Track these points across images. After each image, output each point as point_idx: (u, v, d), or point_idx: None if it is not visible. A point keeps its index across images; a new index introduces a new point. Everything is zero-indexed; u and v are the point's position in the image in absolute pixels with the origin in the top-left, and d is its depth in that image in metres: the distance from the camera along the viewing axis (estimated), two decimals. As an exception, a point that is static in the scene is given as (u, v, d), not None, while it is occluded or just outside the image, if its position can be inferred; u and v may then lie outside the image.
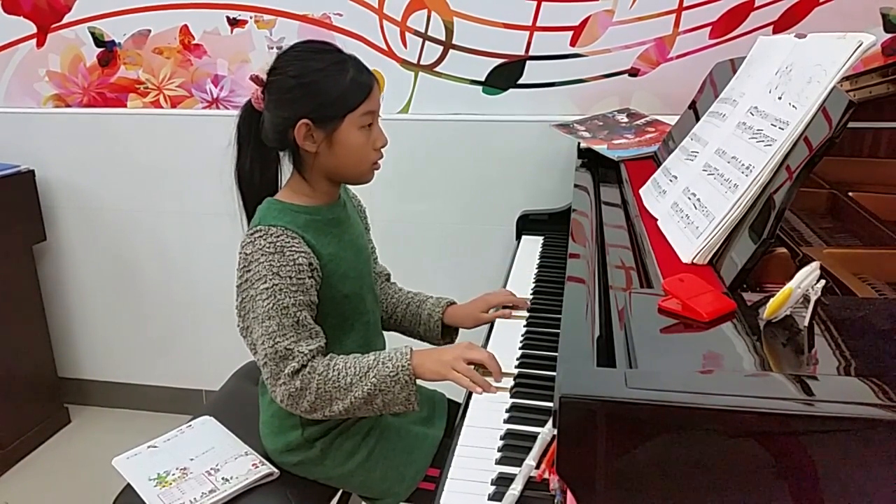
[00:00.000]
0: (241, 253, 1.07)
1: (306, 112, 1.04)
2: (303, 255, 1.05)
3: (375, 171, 1.13)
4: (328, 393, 1.01)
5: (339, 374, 1.01)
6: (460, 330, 1.34)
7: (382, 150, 1.12)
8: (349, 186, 1.27)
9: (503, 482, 0.83)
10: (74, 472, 2.11)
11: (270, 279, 1.02)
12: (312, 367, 1.01)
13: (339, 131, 1.06)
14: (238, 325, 1.09)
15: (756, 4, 1.71)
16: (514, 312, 1.30)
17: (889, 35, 1.67)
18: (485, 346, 1.19)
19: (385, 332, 1.31)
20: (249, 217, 1.14)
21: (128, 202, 2.19)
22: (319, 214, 1.12)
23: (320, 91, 1.04)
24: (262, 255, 1.03)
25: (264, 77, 1.07)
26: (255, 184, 1.13)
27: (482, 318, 1.29)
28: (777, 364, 0.65)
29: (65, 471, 2.12)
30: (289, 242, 1.04)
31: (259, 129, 1.09)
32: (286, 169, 1.15)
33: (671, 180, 1.14)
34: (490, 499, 0.82)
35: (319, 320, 1.09)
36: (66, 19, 2.07)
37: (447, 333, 1.33)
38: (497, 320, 1.28)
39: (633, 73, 1.82)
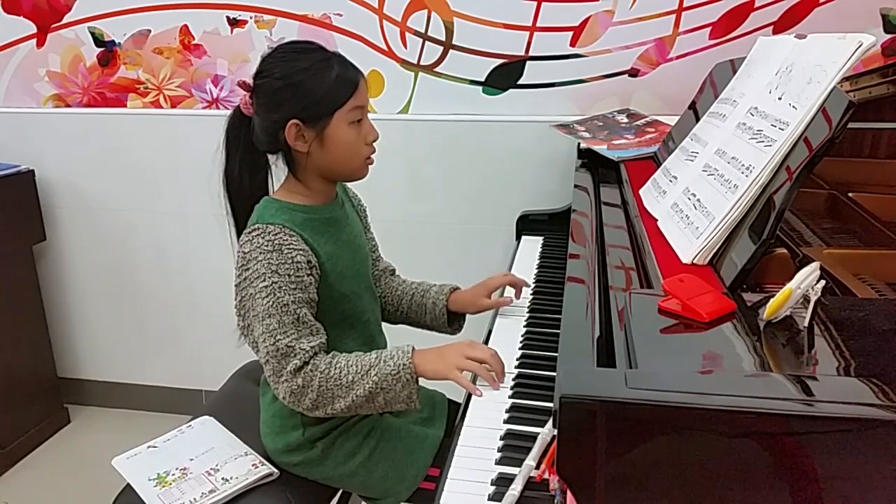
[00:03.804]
0: (239, 251, 1.07)
1: (295, 112, 1.04)
2: (301, 252, 1.05)
3: (370, 167, 1.13)
4: (330, 391, 1.01)
5: (340, 371, 1.01)
6: (464, 325, 1.34)
7: (374, 144, 1.12)
8: (350, 185, 1.27)
9: (503, 482, 0.83)
10: (74, 472, 2.11)
11: (269, 277, 1.02)
12: (314, 365, 1.02)
13: (328, 129, 1.06)
14: (238, 325, 1.09)
15: (756, 5, 1.71)
16: (515, 300, 1.31)
17: (889, 35, 1.68)
18: (485, 344, 1.19)
19: (390, 328, 1.31)
20: (238, 222, 1.14)
21: (128, 202, 2.20)
22: (317, 213, 1.12)
23: (307, 90, 1.04)
24: (261, 252, 1.03)
25: (251, 82, 1.08)
26: (244, 188, 1.12)
27: (484, 304, 1.29)
28: (777, 364, 0.65)
29: (64, 471, 2.12)
30: (287, 240, 1.04)
31: (248, 133, 1.09)
32: (275, 173, 1.15)
33: (671, 181, 1.14)
34: (490, 499, 0.82)
35: (319, 319, 1.09)
36: (65, 19, 2.07)
37: (453, 320, 1.33)
38: (497, 320, 1.28)
39: (633, 73, 1.82)
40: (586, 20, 1.79)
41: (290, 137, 1.06)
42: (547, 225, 1.72)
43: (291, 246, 1.04)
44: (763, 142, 0.91)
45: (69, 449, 2.24)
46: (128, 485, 1.15)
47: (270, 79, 1.05)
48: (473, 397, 1.02)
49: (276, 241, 1.04)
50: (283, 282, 1.02)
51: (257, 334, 1.03)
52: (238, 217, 1.14)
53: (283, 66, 1.05)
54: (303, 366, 1.01)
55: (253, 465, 1.15)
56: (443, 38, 1.88)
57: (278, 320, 1.01)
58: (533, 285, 1.42)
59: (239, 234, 1.13)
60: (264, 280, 1.02)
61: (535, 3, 1.79)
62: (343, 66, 1.07)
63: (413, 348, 1.04)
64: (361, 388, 1.01)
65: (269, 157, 1.13)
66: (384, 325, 1.30)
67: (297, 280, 1.03)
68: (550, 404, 0.97)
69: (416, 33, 1.89)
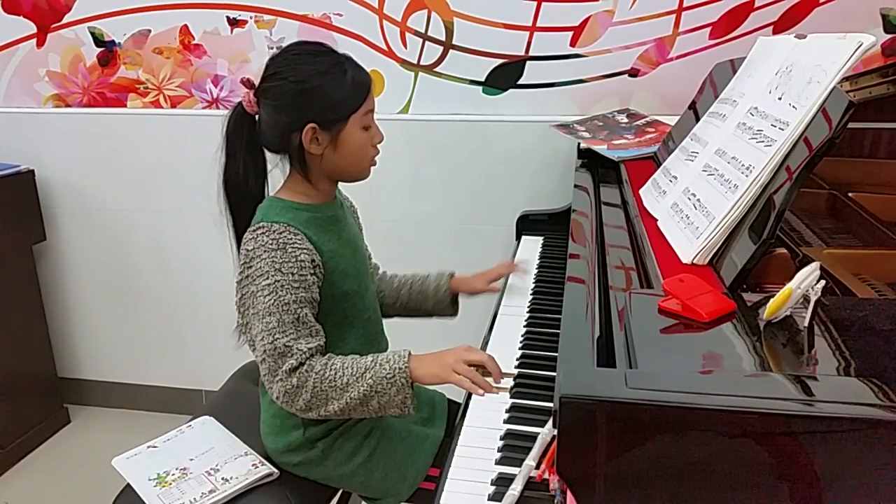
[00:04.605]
0: (242, 249, 1.06)
1: (312, 116, 1.04)
2: (305, 251, 1.05)
3: (372, 168, 1.14)
4: (324, 392, 1.00)
5: (336, 373, 1.01)
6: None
7: (379, 146, 1.12)
8: (341, 189, 1.27)
9: (503, 482, 0.83)
10: (74, 472, 2.11)
11: (272, 275, 1.01)
12: (310, 366, 1.01)
13: (343, 133, 1.06)
14: (237, 322, 1.09)
15: (756, 5, 1.71)
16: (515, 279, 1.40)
17: (889, 35, 1.67)
18: (484, 346, 1.19)
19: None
20: (237, 221, 1.13)
21: (128, 202, 2.20)
22: (320, 212, 1.12)
23: (325, 95, 1.04)
24: (265, 251, 1.03)
25: (255, 80, 1.07)
26: (248, 189, 1.11)
27: (478, 287, 1.36)
28: (777, 364, 0.65)
29: (65, 471, 2.12)
30: (291, 239, 1.04)
31: (252, 133, 1.09)
32: (274, 172, 1.15)
33: (671, 181, 1.14)
34: (490, 499, 0.82)
35: (321, 319, 1.09)
36: (65, 19, 2.07)
37: (453, 303, 1.37)
38: (497, 320, 1.28)
39: (633, 73, 1.82)
40: (586, 20, 1.79)
41: (306, 140, 1.05)
42: (547, 225, 1.72)
43: (296, 245, 1.04)
44: (763, 142, 0.91)
45: (69, 449, 2.24)
46: (128, 485, 1.15)
47: (284, 81, 1.04)
48: (473, 397, 1.02)
49: (280, 240, 1.04)
50: (286, 280, 1.02)
51: (255, 332, 1.02)
52: (238, 217, 1.13)
53: (297, 68, 1.04)
54: (298, 366, 1.00)
55: (253, 465, 1.15)
56: (443, 38, 1.88)
57: (278, 319, 1.01)
58: (533, 285, 1.42)
59: (238, 234, 1.13)
60: (267, 278, 1.02)
61: (535, 3, 1.79)
62: (356, 70, 1.07)
63: (409, 353, 1.03)
64: (356, 391, 1.00)
65: (270, 156, 1.13)
66: (385, 321, 1.30)
67: (301, 279, 1.03)
68: (550, 404, 0.97)
69: (416, 33, 1.89)
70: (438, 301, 1.34)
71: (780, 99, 0.94)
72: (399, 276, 1.39)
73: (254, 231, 1.06)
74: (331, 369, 1.01)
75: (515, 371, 1.08)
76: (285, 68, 1.05)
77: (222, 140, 1.10)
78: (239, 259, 1.07)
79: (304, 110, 1.04)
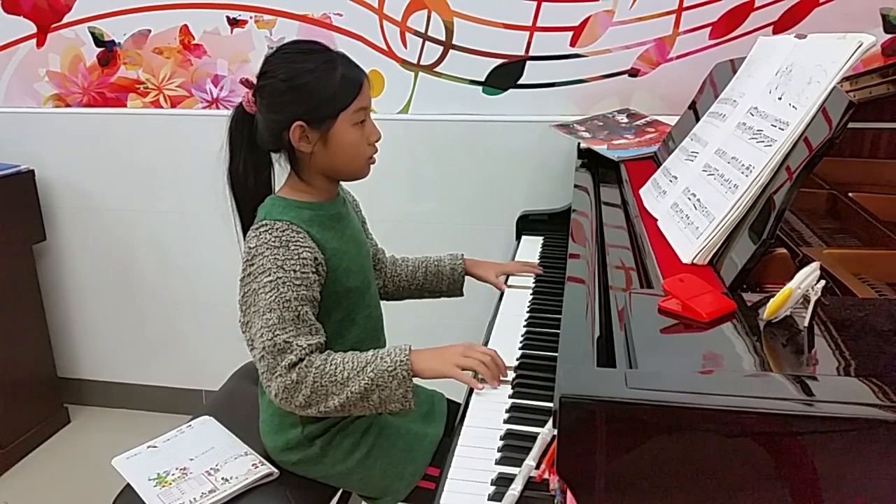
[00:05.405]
0: (245, 247, 1.07)
1: (300, 114, 1.04)
2: (307, 249, 1.05)
3: (371, 166, 1.14)
4: (324, 387, 1.00)
5: (336, 368, 1.00)
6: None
7: (376, 144, 1.12)
8: (342, 183, 1.27)
9: (503, 482, 0.83)
10: (74, 472, 2.11)
11: (274, 272, 1.02)
12: (310, 361, 1.01)
13: (333, 130, 1.06)
14: (239, 320, 1.09)
15: (756, 5, 1.71)
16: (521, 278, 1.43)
17: (889, 35, 1.67)
18: (485, 345, 1.19)
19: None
20: (243, 219, 1.14)
21: (128, 202, 2.20)
22: (322, 210, 1.12)
23: (312, 92, 1.04)
24: (267, 248, 1.03)
25: (254, 80, 1.07)
26: (248, 187, 1.12)
27: (489, 278, 1.42)
28: (777, 364, 0.65)
29: (64, 471, 2.12)
30: (294, 237, 1.05)
31: (252, 132, 1.09)
32: (278, 170, 1.15)
33: (671, 181, 1.14)
34: (490, 499, 0.82)
35: (324, 315, 1.09)
36: (66, 19, 2.07)
37: (463, 284, 1.44)
38: (497, 320, 1.28)
39: (633, 73, 1.82)
40: (586, 20, 1.79)
41: (295, 138, 1.06)
42: (547, 225, 1.72)
43: (298, 242, 1.05)
44: (763, 142, 0.91)
45: (69, 449, 2.24)
46: (128, 485, 1.15)
47: (275, 80, 1.05)
48: (473, 397, 1.02)
49: (283, 238, 1.04)
50: (288, 277, 1.02)
51: (255, 330, 1.02)
52: (244, 215, 1.14)
53: (287, 66, 1.05)
54: (298, 362, 1.00)
55: (253, 464, 1.15)
56: (443, 38, 1.88)
57: (279, 315, 1.01)
58: (533, 285, 1.42)
59: (244, 231, 1.14)
60: (269, 275, 1.02)
61: (535, 3, 1.79)
62: (347, 67, 1.07)
63: (410, 347, 1.03)
64: (356, 385, 0.99)
65: (273, 154, 1.13)
66: (386, 320, 1.30)
67: (303, 276, 1.03)
68: (550, 404, 0.97)
69: (416, 33, 1.89)
70: (453, 282, 1.42)
71: (780, 99, 0.94)
72: (411, 259, 1.43)
73: (256, 229, 1.06)
74: (331, 364, 1.01)
75: (515, 371, 1.08)
76: (276, 67, 1.05)
77: (225, 139, 1.11)
78: (242, 257, 1.07)
79: (291, 108, 1.04)
